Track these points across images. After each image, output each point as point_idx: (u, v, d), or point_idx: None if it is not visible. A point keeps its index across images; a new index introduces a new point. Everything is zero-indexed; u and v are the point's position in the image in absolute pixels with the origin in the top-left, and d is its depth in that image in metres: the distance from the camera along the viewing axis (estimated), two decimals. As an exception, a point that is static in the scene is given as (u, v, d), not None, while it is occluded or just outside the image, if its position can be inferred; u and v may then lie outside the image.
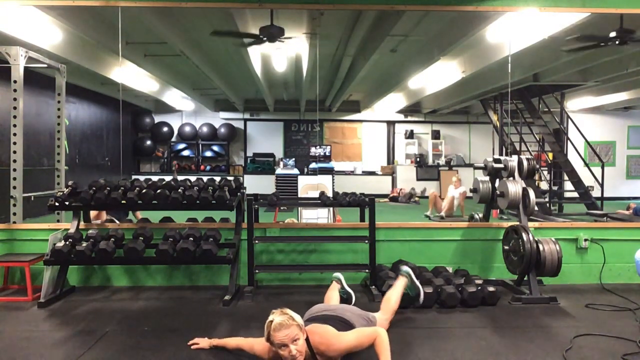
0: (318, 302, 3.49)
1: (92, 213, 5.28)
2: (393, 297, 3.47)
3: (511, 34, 6.11)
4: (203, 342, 3.07)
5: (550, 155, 10.48)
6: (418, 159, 14.68)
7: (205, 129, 14.62)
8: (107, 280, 4.60)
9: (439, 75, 9.69)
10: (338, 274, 3.93)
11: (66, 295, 4.24)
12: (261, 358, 2.77)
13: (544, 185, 10.29)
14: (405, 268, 3.79)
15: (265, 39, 6.44)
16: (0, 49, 4.83)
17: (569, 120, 10.83)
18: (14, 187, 4.78)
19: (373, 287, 4.25)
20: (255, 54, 8.24)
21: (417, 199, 12.87)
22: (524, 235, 4.08)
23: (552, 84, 9.76)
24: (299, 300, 4.07)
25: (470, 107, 14.21)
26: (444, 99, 12.49)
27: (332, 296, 3.66)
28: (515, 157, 4.60)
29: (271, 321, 2.51)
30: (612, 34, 6.02)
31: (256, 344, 2.81)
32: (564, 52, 7.09)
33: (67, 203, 4.26)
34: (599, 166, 9.74)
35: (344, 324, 2.80)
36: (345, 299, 3.86)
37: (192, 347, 3.05)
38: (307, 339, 2.53)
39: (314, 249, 4.73)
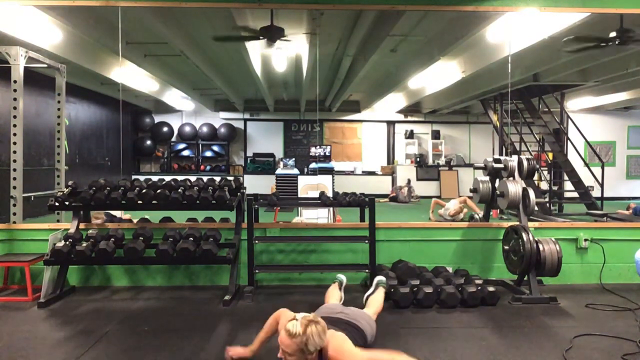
0: (318, 302, 3.48)
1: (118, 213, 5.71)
2: (380, 299, 3.52)
3: (511, 34, 6.11)
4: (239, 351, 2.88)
5: (550, 155, 10.46)
6: (418, 159, 14.68)
7: (205, 129, 14.61)
8: (107, 280, 4.60)
9: (439, 75, 9.68)
10: (342, 277, 3.86)
11: (66, 295, 4.24)
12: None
13: (544, 185, 10.27)
14: (379, 279, 3.81)
15: (264, 39, 6.44)
16: (0, 49, 4.83)
17: (569, 120, 10.82)
18: (14, 187, 4.78)
19: (373, 287, 4.25)
20: (255, 54, 8.23)
21: (418, 198, 12.85)
22: (524, 235, 4.08)
23: (552, 84, 9.74)
24: (299, 300, 4.08)
25: (470, 107, 14.19)
26: (444, 99, 12.48)
27: (334, 294, 3.62)
28: (515, 157, 4.60)
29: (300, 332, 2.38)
30: (612, 34, 6.02)
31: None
32: (564, 52, 7.08)
33: (67, 203, 4.27)
34: (599, 166, 9.72)
35: (357, 332, 2.80)
36: None
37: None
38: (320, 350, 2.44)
39: (314, 249, 4.73)
